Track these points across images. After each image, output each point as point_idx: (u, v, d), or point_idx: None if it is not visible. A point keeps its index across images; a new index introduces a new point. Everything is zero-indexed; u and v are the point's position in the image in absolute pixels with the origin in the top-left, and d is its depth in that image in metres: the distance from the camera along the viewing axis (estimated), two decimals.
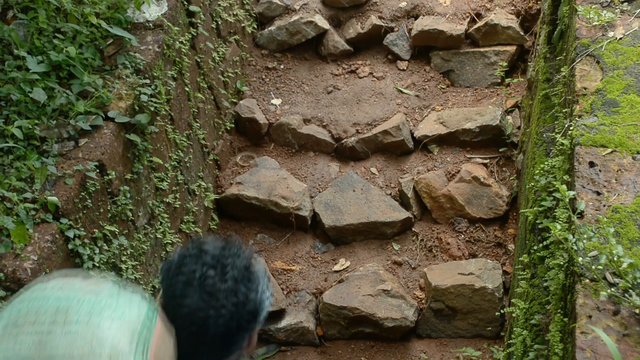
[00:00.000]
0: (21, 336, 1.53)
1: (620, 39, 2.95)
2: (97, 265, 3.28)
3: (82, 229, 3.19)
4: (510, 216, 4.92)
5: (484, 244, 4.83)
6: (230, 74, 5.31)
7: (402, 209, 4.98)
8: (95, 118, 3.46)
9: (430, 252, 4.86)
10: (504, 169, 5.11)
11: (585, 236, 2.02)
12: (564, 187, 1.99)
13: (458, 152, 5.24)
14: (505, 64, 5.58)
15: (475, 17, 5.80)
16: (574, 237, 1.99)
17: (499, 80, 5.65)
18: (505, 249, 4.76)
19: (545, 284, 2.63)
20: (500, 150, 5.19)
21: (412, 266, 4.81)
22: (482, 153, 5.22)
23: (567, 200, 2.20)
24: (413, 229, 4.99)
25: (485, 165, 5.12)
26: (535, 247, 2.83)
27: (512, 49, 5.68)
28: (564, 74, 3.10)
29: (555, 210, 2.46)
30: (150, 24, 4.07)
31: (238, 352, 1.89)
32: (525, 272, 2.97)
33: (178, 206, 4.25)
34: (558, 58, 3.59)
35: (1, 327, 1.57)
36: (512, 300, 3.05)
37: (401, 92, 5.65)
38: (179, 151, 4.28)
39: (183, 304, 1.75)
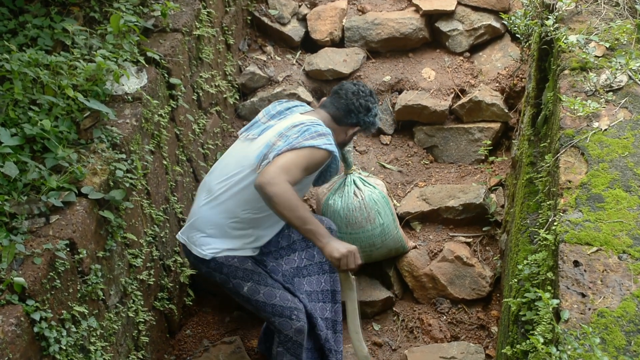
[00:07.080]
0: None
1: (605, 130, 2.89)
2: (64, 348, 3.14)
3: (49, 311, 3.05)
4: (493, 297, 4.82)
5: (467, 326, 4.71)
6: (210, 146, 5.24)
7: (384, 288, 4.86)
8: (68, 194, 3.36)
9: (412, 334, 4.73)
10: (487, 248, 5.03)
11: (569, 347, 1.93)
12: (547, 295, 1.90)
13: (441, 230, 5.16)
14: (489, 142, 5.54)
15: (460, 93, 5.79)
16: (557, 350, 1.90)
17: (483, 158, 5.60)
18: (489, 331, 4.64)
19: None
20: (483, 229, 5.11)
21: (393, 347, 4.67)
22: (466, 231, 5.13)
23: (551, 308, 2.11)
24: (394, 309, 4.87)
25: (468, 244, 5.03)
26: (518, 342, 2.73)
27: (496, 126, 5.65)
28: (548, 163, 3.03)
29: (539, 310, 2.36)
30: (129, 97, 3.99)
31: (348, 125, 3.98)
32: None
33: (152, 283, 4.12)
34: (542, 144, 3.53)
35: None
36: None
37: (384, 167, 5.58)
38: (155, 226, 4.17)
39: (343, 90, 3.97)
